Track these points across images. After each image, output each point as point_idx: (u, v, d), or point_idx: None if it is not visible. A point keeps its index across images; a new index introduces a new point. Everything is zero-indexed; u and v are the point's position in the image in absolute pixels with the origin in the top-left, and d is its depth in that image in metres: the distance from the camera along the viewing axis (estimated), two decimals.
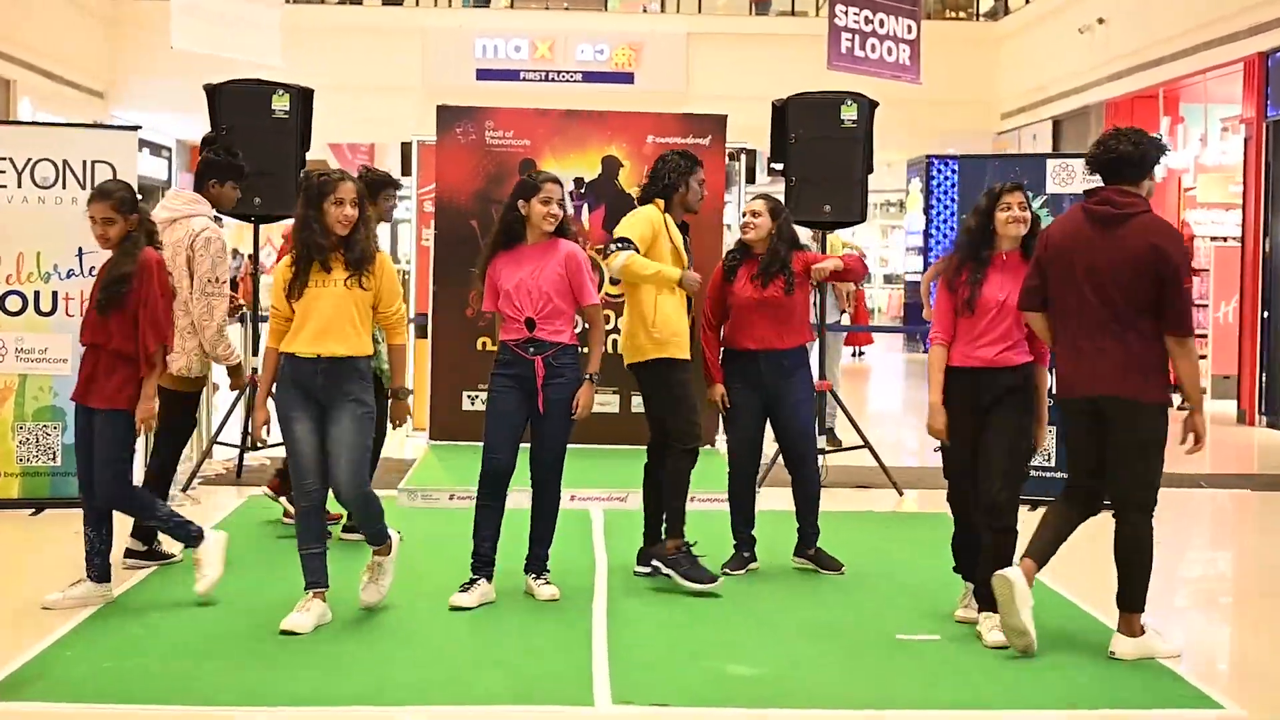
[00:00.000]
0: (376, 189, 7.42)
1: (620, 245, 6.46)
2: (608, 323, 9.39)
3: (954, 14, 23.30)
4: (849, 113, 9.22)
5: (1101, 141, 5.51)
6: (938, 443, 5.94)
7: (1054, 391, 5.73)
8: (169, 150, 24.39)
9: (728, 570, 6.71)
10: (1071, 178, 8.63)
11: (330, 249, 5.64)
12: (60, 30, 19.11)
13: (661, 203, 6.68)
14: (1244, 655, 6.02)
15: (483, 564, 6.07)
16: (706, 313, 6.80)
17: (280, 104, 8.95)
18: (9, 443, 7.95)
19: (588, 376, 6.11)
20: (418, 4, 22.79)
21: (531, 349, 5.99)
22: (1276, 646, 6.01)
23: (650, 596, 6.32)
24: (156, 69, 19.92)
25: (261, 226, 9.65)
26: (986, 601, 5.61)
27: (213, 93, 9.00)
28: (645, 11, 23.55)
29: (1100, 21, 17.42)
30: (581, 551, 7.12)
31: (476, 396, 9.79)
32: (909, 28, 14.83)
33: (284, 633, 5.47)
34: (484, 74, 21.02)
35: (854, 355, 21.78)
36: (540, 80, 21.01)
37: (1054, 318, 5.54)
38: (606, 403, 10.16)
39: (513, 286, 5.99)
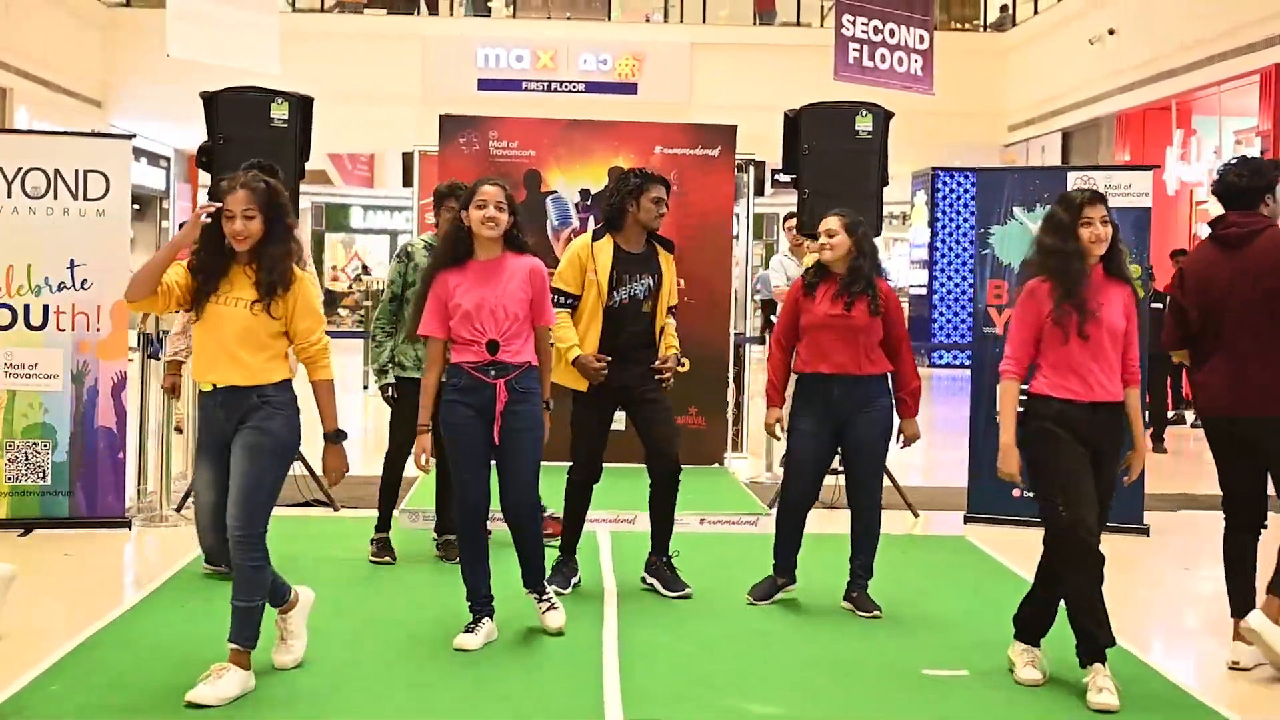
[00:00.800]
0: (439, 199, 7.26)
1: (564, 302, 6.39)
2: None
3: (959, 25, 23.11)
4: (864, 123, 8.97)
5: (1219, 171, 5.74)
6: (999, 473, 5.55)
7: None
8: (167, 160, 24.21)
9: (753, 600, 6.43)
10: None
11: (232, 263, 5.00)
12: (57, 38, 18.93)
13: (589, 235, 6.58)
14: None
15: (482, 603, 5.73)
16: (777, 333, 6.49)
17: (279, 112, 8.68)
18: None
19: (546, 404, 5.78)
20: (419, 13, 22.61)
21: (493, 372, 5.59)
22: None
23: (664, 626, 6.06)
24: (154, 77, 19.74)
25: None
26: (1026, 633, 5.38)
27: (210, 100, 8.73)
28: (649, 21, 23.35)
29: (1111, 33, 17.24)
30: (589, 575, 6.83)
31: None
32: (921, 38, 14.65)
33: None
34: (486, 84, 20.83)
35: None
36: (542, 90, 20.83)
37: (1197, 346, 5.70)
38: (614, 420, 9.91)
39: (473, 306, 5.56)
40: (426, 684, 5.19)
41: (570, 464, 6.60)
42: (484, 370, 5.57)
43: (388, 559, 7.17)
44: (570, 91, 20.82)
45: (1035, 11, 20.79)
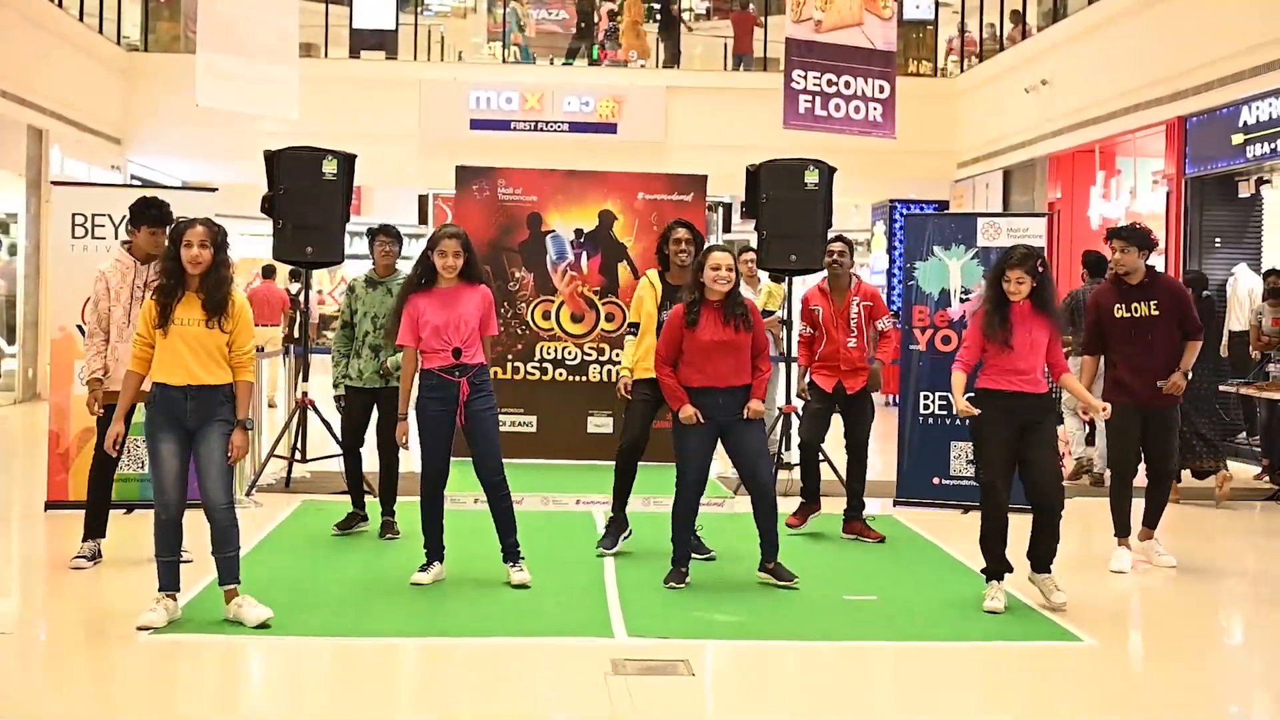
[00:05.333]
0: (372, 237, 9.16)
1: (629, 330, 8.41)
2: (602, 355, 11.10)
3: (915, 69, 24.82)
4: (811, 177, 10.83)
5: None
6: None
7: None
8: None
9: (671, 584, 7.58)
10: (997, 234, 10.24)
11: (186, 288, 6.46)
12: (82, 82, 20.52)
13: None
14: (1106, 604, 7.62)
15: (435, 551, 7.51)
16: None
17: (329, 168, 10.48)
18: None
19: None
20: (415, 58, 24.35)
21: (457, 373, 7.25)
22: (1127, 595, 7.65)
23: (647, 570, 7.86)
24: (166, 116, 21.51)
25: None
26: (1044, 563, 7.27)
27: (271, 158, 10.52)
28: (628, 65, 25.11)
29: (1044, 83, 19.10)
30: (588, 545, 8.64)
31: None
32: (881, 88, 16.13)
33: (140, 628, 6.40)
34: (477, 123, 22.51)
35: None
36: (530, 130, 22.51)
37: None
38: (601, 425, 11.75)
39: (441, 322, 7.23)
40: (475, 606, 7.06)
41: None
42: (449, 372, 7.30)
43: (356, 529, 9.05)
44: (555, 131, 22.53)
45: (979, 59, 22.71)
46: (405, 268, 9.11)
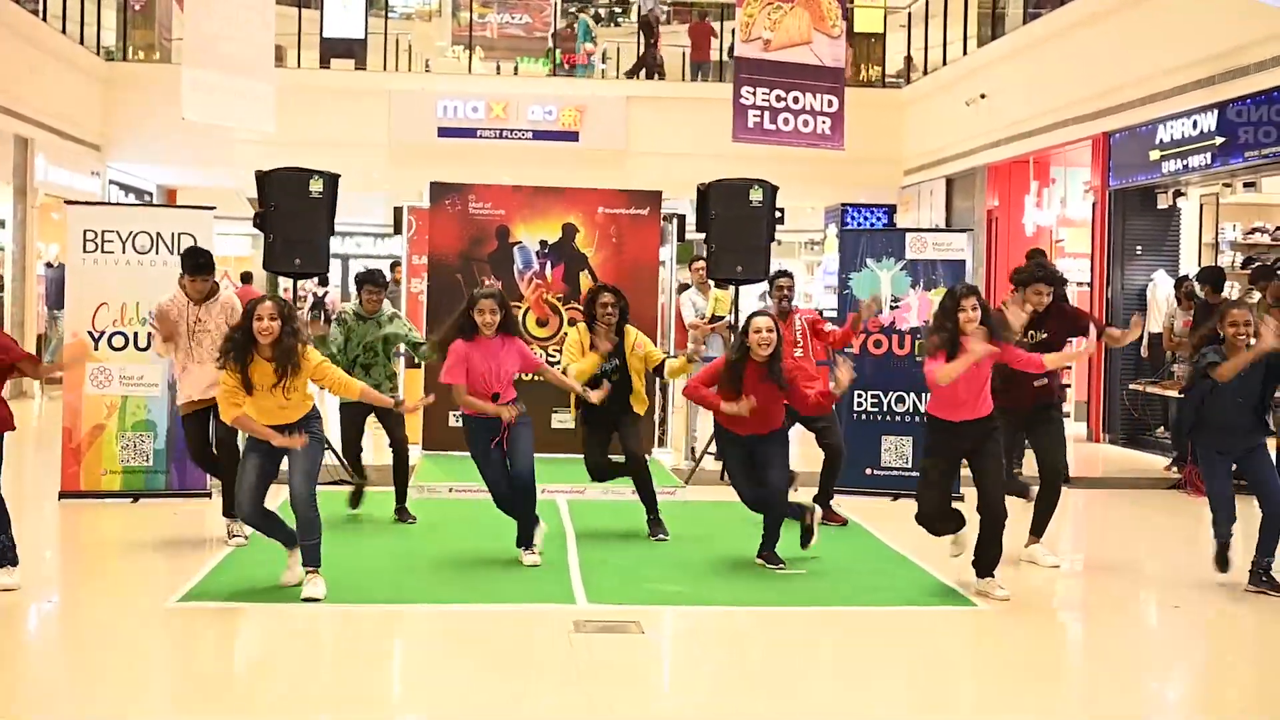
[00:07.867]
0: (359, 283, 10.14)
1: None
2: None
3: (864, 79, 25.86)
4: (756, 195, 11.89)
5: None
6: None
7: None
8: (150, 195, 26.59)
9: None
10: (924, 247, 11.30)
11: (259, 357, 7.36)
12: (64, 91, 21.27)
13: None
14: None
15: (528, 536, 8.55)
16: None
17: (315, 186, 11.43)
18: (113, 447, 10.37)
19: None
20: (384, 66, 25.23)
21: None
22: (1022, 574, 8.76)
23: (607, 550, 8.96)
24: (142, 124, 22.35)
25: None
26: (987, 568, 7.94)
27: (262, 177, 11.47)
28: (589, 75, 26.04)
29: (982, 96, 20.18)
30: (553, 527, 9.60)
31: (460, 415, 12.27)
32: (829, 102, 17.06)
33: (307, 597, 7.46)
34: (445, 132, 23.38)
35: None
36: (495, 138, 23.40)
37: None
38: (564, 420, 12.74)
39: (484, 370, 8.27)
40: (460, 579, 8.11)
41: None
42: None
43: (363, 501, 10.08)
44: (519, 139, 23.43)
45: (925, 73, 23.80)
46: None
